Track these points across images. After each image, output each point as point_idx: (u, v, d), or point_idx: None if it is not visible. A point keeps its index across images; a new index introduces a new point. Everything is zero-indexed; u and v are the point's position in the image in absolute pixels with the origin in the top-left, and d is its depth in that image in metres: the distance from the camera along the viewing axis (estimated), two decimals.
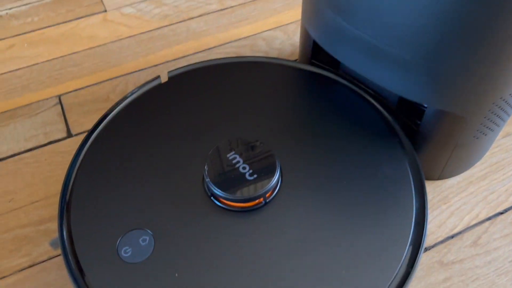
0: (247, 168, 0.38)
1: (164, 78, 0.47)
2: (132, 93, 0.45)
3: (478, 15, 0.32)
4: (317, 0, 0.42)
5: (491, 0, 0.31)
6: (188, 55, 0.62)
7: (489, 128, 0.42)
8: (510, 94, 0.39)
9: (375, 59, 0.39)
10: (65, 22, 0.67)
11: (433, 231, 0.44)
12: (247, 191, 0.37)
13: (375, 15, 0.36)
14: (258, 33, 0.65)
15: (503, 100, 0.39)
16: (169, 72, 0.47)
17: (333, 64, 0.49)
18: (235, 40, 0.64)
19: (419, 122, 0.43)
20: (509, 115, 0.43)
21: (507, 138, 0.50)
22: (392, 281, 0.34)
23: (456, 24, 0.32)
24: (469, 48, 0.33)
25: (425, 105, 0.41)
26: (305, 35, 0.49)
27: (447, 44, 0.34)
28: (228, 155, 0.38)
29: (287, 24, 0.66)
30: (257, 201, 0.37)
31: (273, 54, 0.62)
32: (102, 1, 0.70)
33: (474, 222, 0.44)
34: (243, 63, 0.48)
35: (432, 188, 0.47)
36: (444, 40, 0.34)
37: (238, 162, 0.38)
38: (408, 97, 0.40)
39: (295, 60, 0.49)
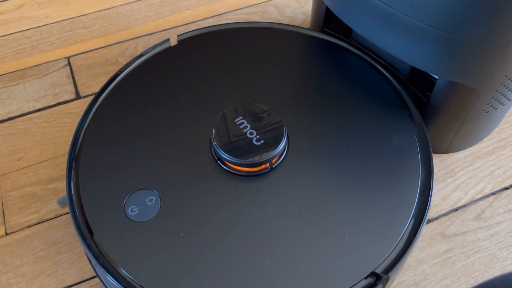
0: (255, 133, 0.38)
1: (174, 42, 0.46)
2: (141, 56, 0.45)
3: None
4: None
5: None
6: (198, 21, 0.61)
7: (500, 102, 0.42)
8: None
9: (390, 27, 0.38)
10: None
11: (437, 203, 0.44)
12: (253, 156, 0.37)
13: None
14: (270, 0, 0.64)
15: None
16: (178, 35, 0.47)
17: (345, 33, 0.48)
18: (246, 7, 0.63)
19: (429, 94, 0.42)
20: None
21: None
22: (393, 249, 0.34)
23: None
24: (491, 17, 0.33)
25: (436, 77, 0.41)
26: (318, 2, 0.48)
27: (467, 12, 0.33)
28: (236, 120, 0.39)
29: None
30: (263, 166, 0.37)
31: (284, 22, 0.61)
32: None
33: (478, 196, 0.45)
34: (254, 29, 0.48)
35: (439, 161, 0.47)
36: (465, 7, 0.33)
37: (246, 127, 0.38)
38: (421, 68, 0.39)
39: (307, 28, 0.48)
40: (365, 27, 0.41)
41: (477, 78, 0.38)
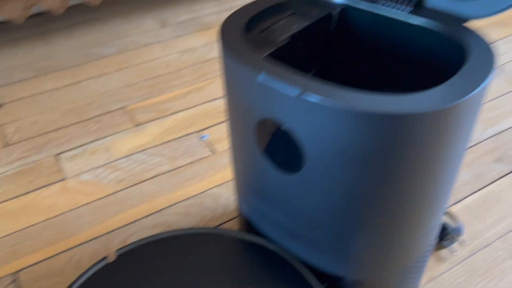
0: None
1: (112, 256, 0.51)
2: (81, 276, 0.49)
3: (367, 216, 0.38)
4: (244, 187, 0.49)
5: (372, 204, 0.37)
6: (140, 219, 0.67)
7: (409, 282, 0.47)
8: (415, 259, 0.44)
9: (294, 238, 0.45)
10: (26, 193, 0.72)
11: None
12: None
13: (286, 205, 0.43)
14: (206, 190, 0.71)
15: (411, 262, 0.45)
16: (116, 251, 0.51)
17: None
18: (184, 200, 0.69)
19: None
20: (423, 268, 0.49)
21: (431, 282, 0.55)
22: None
23: (350, 218, 0.39)
24: (366, 235, 0.39)
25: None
26: (238, 209, 0.55)
27: (345, 231, 0.40)
28: None
29: (232, 179, 0.72)
30: None
31: (219, 210, 0.67)
32: (61, 169, 0.76)
33: None
34: (186, 235, 0.53)
35: None
36: (342, 228, 0.40)
37: None
38: (324, 270, 0.45)
39: (235, 231, 0.54)
40: (276, 237, 0.47)
41: (375, 276, 0.44)
